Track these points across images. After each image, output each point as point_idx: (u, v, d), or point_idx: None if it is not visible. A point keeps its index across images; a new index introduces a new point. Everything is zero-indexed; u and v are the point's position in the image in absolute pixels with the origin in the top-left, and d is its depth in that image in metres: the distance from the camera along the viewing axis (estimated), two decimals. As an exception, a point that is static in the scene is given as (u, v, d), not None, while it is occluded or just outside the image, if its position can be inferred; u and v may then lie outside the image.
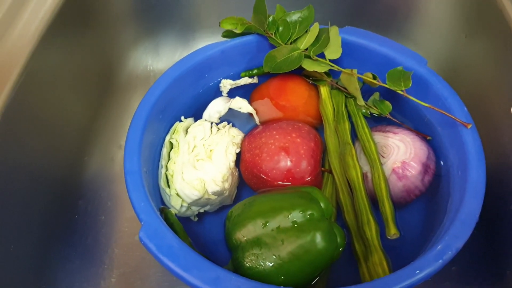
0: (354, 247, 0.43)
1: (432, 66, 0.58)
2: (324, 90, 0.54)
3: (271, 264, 0.37)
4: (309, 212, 0.39)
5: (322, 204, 0.41)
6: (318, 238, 0.38)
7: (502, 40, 0.48)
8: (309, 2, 0.55)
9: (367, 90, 0.54)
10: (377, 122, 0.53)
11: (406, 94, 0.48)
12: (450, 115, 0.45)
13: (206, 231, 0.49)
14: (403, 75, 0.48)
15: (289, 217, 0.38)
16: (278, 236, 0.38)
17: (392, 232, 0.42)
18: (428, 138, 0.50)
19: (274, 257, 0.37)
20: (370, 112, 0.53)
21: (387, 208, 0.43)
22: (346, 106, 0.54)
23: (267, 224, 0.39)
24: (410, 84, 0.48)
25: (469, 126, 0.44)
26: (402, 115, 0.53)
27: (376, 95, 0.54)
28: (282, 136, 0.47)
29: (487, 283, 0.47)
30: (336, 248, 0.39)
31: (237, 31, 0.54)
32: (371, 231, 0.42)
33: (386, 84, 0.48)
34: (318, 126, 0.54)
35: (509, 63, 0.46)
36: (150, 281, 0.50)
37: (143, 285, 0.50)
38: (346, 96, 0.54)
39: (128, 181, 0.41)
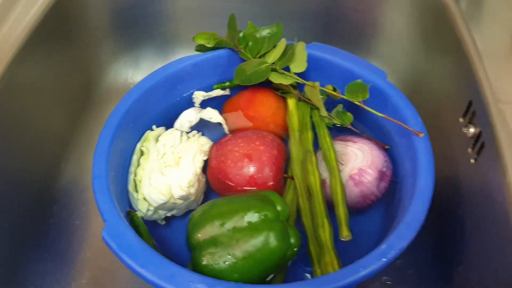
0: (309, 249, 0.45)
1: (395, 79, 0.62)
2: (291, 102, 0.57)
3: (225, 262, 0.39)
4: (263, 213, 0.41)
5: (279, 207, 0.43)
6: (271, 237, 0.40)
7: (455, 56, 0.51)
8: (282, 20, 0.58)
9: (332, 102, 0.56)
10: (340, 132, 0.56)
11: (362, 105, 0.50)
12: (403, 125, 0.48)
13: (173, 234, 0.51)
14: (361, 88, 0.51)
15: (244, 217, 0.41)
16: (234, 235, 0.40)
17: (345, 234, 0.44)
18: (386, 147, 0.53)
19: (229, 255, 0.40)
20: (333, 122, 0.56)
21: (341, 211, 0.46)
22: (311, 117, 0.56)
23: (224, 224, 0.41)
24: (367, 96, 0.50)
25: (421, 135, 0.47)
26: (365, 126, 0.56)
27: (340, 107, 0.57)
28: (246, 144, 0.50)
29: (442, 282, 0.49)
30: (289, 247, 0.42)
31: (209, 45, 0.57)
32: (325, 233, 0.44)
33: (345, 95, 0.51)
34: (285, 136, 0.57)
35: (460, 76, 0.49)
36: (119, 283, 0.52)
37: (113, 287, 0.52)
38: (311, 108, 0.57)
39: (95, 184, 0.44)
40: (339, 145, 0.53)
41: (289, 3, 0.68)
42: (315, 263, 0.43)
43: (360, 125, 0.56)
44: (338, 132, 0.56)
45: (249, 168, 0.49)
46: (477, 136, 0.43)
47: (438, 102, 0.54)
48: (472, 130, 0.44)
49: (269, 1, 0.69)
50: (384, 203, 0.51)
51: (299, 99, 0.58)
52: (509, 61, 0.45)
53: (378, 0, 0.62)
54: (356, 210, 0.50)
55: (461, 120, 0.47)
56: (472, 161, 0.44)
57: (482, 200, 0.42)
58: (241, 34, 0.57)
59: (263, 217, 0.41)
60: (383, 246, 0.39)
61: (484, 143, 0.42)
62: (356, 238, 0.46)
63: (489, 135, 0.41)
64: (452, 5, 0.53)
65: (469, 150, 0.45)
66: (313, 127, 0.55)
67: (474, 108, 0.45)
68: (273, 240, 0.40)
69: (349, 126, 0.55)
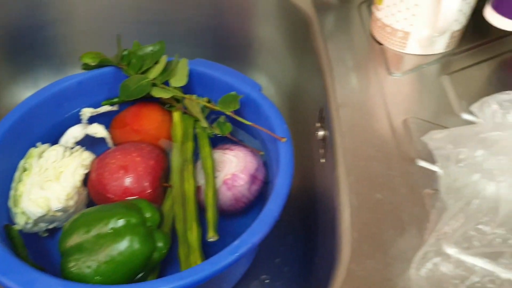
0: (179, 251, 0.48)
1: (275, 90, 0.67)
2: (176, 115, 0.60)
3: (89, 266, 0.42)
4: (127, 219, 0.44)
5: (148, 214, 0.46)
6: (132, 241, 0.43)
7: (315, 68, 0.56)
8: (175, 39, 0.61)
9: (216, 114, 0.60)
10: (222, 142, 0.59)
11: (233, 115, 0.55)
12: (266, 131, 0.52)
13: (56, 245, 0.52)
14: (233, 99, 0.55)
15: (108, 224, 0.43)
16: (98, 241, 0.43)
17: (210, 234, 0.47)
18: (261, 153, 0.57)
19: (92, 260, 0.42)
20: (214, 133, 0.59)
21: (210, 214, 0.49)
22: (195, 129, 0.60)
23: (89, 231, 0.43)
24: (238, 107, 0.55)
25: (283, 140, 0.51)
26: (247, 134, 0.60)
27: (222, 118, 0.60)
28: (123, 156, 0.53)
29: (308, 274, 0.54)
30: (154, 250, 0.45)
31: (93, 64, 0.59)
32: (193, 235, 0.47)
33: (218, 106, 0.55)
34: (171, 147, 0.60)
35: (317, 86, 0.54)
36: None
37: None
38: (196, 120, 0.61)
39: (-34, 200, 0.45)
40: (219, 154, 0.56)
41: (182, 24, 0.73)
42: (182, 263, 0.47)
43: (243, 134, 0.60)
44: (220, 142, 0.60)
45: (125, 179, 0.51)
46: (325, 138, 0.48)
47: (306, 110, 0.59)
48: (321, 133, 0.48)
49: (163, 23, 0.73)
50: (259, 205, 0.55)
51: (184, 112, 0.61)
52: (354, 71, 0.50)
53: (258, 19, 0.67)
54: (231, 213, 0.54)
55: (317, 124, 0.52)
56: (323, 160, 0.49)
57: (327, 195, 0.46)
58: (125, 52, 0.60)
59: (126, 223, 0.44)
60: (236, 242, 0.43)
61: (328, 143, 0.47)
62: (233, 239, 0.49)
63: (330, 135, 0.46)
64: (315, 22, 0.58)
65: (321, 151, 0.49)
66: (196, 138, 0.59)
67: (324, 113, 0.50)
68: (135, 244, 0.43)
69: (228, 136, 0.59)
